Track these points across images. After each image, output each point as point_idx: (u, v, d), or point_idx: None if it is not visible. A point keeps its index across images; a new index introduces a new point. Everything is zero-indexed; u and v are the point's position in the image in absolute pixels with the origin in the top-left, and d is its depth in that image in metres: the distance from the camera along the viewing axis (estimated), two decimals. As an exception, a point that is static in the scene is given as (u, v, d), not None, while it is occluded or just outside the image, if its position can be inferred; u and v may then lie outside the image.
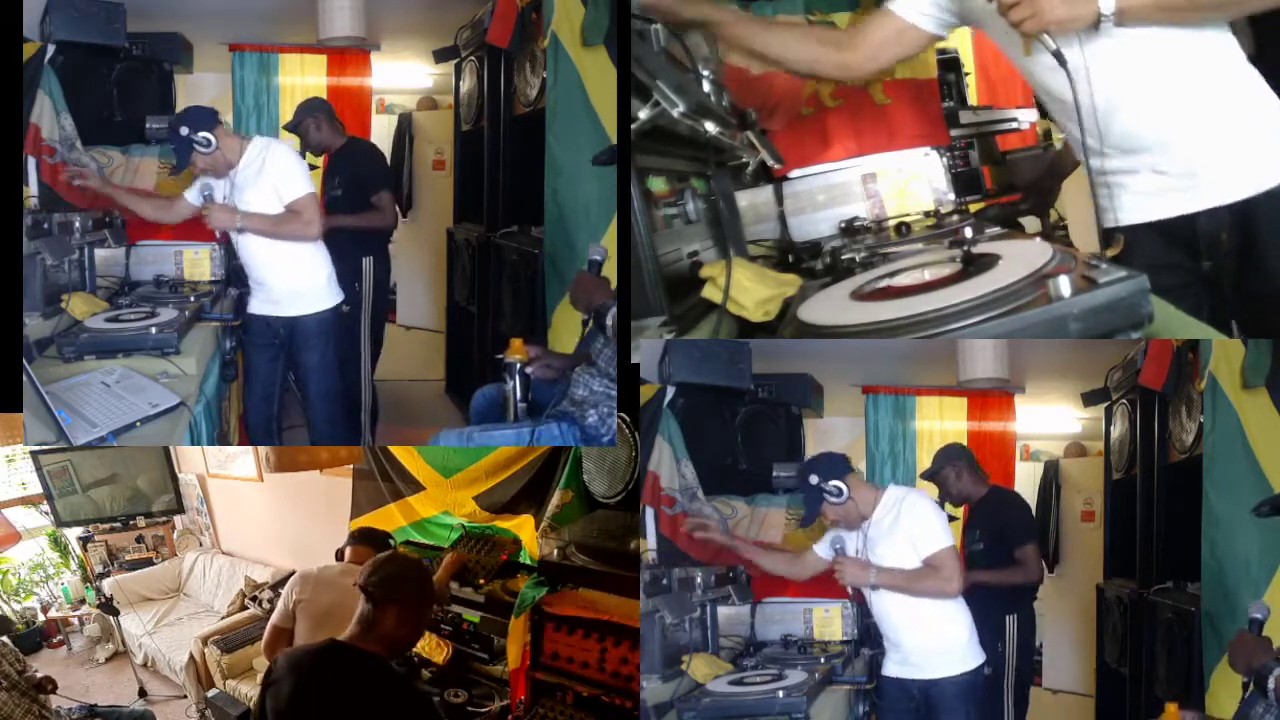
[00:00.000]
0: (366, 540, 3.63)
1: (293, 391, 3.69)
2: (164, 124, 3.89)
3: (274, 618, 3.38)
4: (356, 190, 4.09)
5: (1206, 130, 2.13)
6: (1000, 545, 3.71)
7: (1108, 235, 2.28)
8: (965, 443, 4.14)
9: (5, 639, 3.75)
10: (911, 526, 2.88)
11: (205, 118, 3.27)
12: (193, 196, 3.36)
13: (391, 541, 3.78)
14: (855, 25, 2.59)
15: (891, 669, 3.01)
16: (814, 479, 2.91)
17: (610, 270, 2.78)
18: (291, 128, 4.10)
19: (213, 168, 3.28)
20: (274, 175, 3.27)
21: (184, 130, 3.21)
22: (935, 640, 2.92)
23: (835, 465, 2.95)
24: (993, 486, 3.94)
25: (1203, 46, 2.12)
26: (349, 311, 4.09)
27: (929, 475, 3.89)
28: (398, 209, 4.31)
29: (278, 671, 2.19)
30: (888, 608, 2.94)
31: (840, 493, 2.89)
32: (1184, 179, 2.16)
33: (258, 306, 3.43)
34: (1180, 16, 2.06)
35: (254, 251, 3.35)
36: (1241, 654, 2.32)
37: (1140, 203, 2.21)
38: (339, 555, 3.62)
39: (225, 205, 3.29)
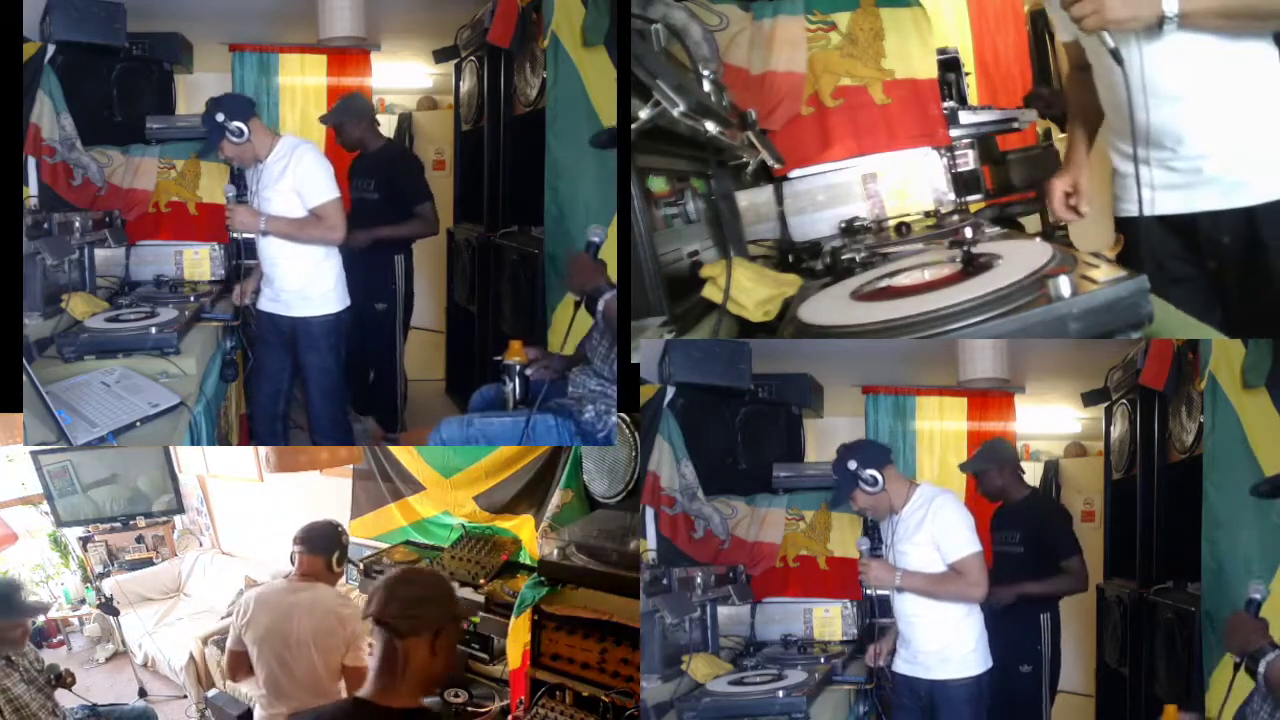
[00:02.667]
0: (317, 546, 3.26)
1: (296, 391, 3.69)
2: (165, 123, 3.91)
3: (229, 641, 3.26)
4: (396, 197, 4.10)
5: (1223, 135, 2.20)
6: (1046, 553, 3.71)
7: (1121, 227, 2.33)
8: (966, 442, 4.15)
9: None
10: (938, 530, 2.89)
11: (242, 107, 3.27)
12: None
13: (342, 533, 3.39)
14: None
15: (901, 666, 3.02)
16: (852, 465, 2.90)
17: (608, 255, 2.77)
18: (331, 122, 4.07)
19: (239, 158, 3.29)
20: (298, 177, 3.26)
21: (219, 116, 3.21)
22: (943, 643, 2.93)
23: (875, 454, 2.95)
24: (1032, 489, 3.96)
25: (1244, 56, 2.18)
26: (385, 309, 4.12)
27: (971, 468, 3.88)
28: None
29: None
30: (906, 609, 2.96)
31: (876, 482, 2.89)
32: (1189, 176, 2.22)
33: (266, 304, 3.42)
34: (1237, 25, 2.13)
35: (271, 253, 3.35)
36: (1237, 635, 2.35)
37: (1148, 196, 2.25)
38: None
39: (248, 207, 3.29)
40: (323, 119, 4.11)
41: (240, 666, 3.22)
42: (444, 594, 2.06)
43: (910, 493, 2.93)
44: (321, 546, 3.27)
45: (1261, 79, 2.20)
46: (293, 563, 3.32)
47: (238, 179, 3.49)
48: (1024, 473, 3.90)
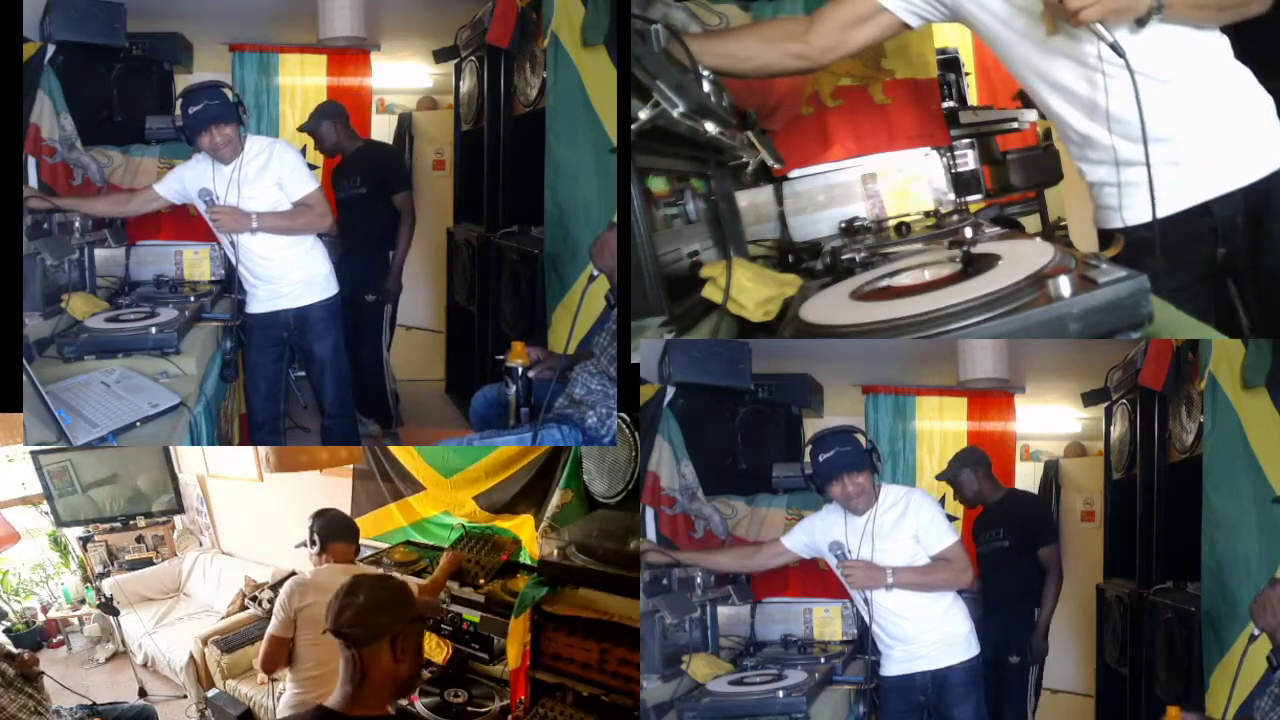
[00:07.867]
0: (342, 534, 3.45)
1: (292, 390, 3.69)
2: (165, 124, 3.91)
3: (273, 629, 3.21)
4: (382, 189, 4.17)
5: (1216, 119, 2.19)
6: (1026, 544, 3.79)
7: (1109, 237, 2.29)
8: (966, 443, 4.16)
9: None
10: (918, 525, 2.93)
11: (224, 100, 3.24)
12: (170, 194, 3.33)
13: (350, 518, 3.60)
14: (816, 12, 2.49)
15: (897, 667, 3.01)
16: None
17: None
18: (308, 129, 4.12)
19: (228, 150, 3.22)
20: (279, 172, 3.27)
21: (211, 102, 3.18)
22: (943, 631, 2.97)
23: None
24: (1008, 489, 4.00)
25: (1206, 44, 2.19)
26: (374, 303, 4.14)
27: (946, 477, 3.93)
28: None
29: None
30: (896, 606, 2.95)
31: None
32: (1198, 166, 2.19)
33: (262, 305, 3.41)
34: (1207, 15, 2.13)
35: (260, 251, 3.33)
36: (1267, 611, 2.31)
37: (1158, 196, 2.19)
38: (318, 542, 3.42)
39: (235, 209, 3.24)
40: (300, 128, 4.15)
41: (280, 656, 3.18)
42: (397, 598, 2.02)
43: (877, 492, 2.96)
44: (346, 535, 3.45)
45: (1223, 64, 2.21)
46: (323, 553, 3.40)
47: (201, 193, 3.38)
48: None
